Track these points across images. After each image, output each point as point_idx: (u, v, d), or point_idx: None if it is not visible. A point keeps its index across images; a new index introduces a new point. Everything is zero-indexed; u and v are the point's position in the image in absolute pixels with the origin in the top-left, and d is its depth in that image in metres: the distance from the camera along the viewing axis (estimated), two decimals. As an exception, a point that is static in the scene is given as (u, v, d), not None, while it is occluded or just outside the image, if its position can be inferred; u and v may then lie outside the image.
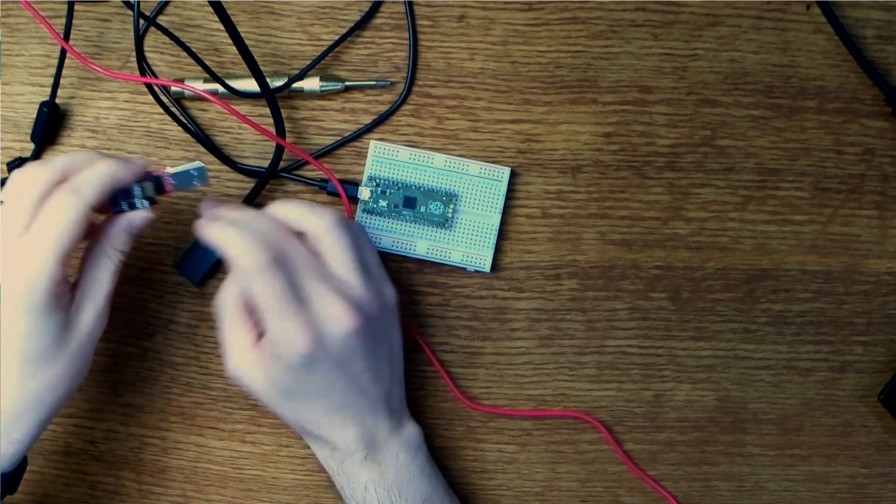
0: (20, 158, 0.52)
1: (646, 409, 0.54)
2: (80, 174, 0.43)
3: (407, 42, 0.52)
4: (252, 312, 0.45)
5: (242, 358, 0.45)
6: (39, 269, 0.41)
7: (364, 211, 0.52)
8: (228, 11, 0.52)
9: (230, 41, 0.52)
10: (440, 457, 0.54)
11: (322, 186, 0.52)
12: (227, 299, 0.46)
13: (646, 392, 0.54)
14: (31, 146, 0.53)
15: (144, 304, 0.53)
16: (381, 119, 0.52)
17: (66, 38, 0.50)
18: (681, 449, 0.54)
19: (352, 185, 0.51)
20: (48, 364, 0.42)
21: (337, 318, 0.44)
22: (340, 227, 0.46)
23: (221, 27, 0.52)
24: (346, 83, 0.52)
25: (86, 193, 0.42)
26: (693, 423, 0.54)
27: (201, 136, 0.52)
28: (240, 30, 0.52)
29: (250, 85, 0.51)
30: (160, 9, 0.52)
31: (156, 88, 0.50)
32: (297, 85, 0.51)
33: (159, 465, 0.54)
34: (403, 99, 0.52)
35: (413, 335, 0.53)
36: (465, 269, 0.53)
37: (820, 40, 0.53)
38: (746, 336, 0.54)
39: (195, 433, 0.54)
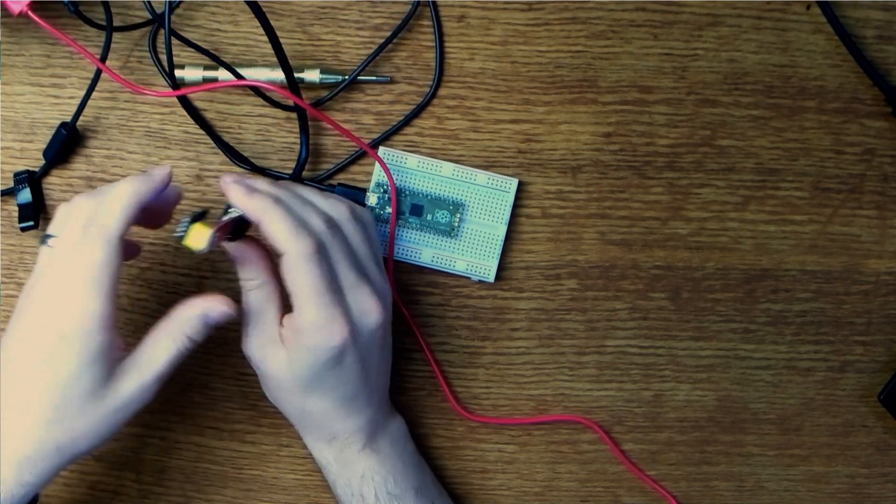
0: (28, 171, 0.52)
1: (646, 409, 0.54)
2: (101, 206, 0.42)
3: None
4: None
5: (269, 328, 0.45)
6: (85, 310, 0.40)
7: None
8: (229, 11, 0.52)
9: (230, 41, 0.52)
10: (440, 456, 0.54)
11: (331, 190, 0.52)
12: (256, 275, 0.45)
13: (646, 392, 0.54)
14: (33, 146, 0.53)
15: (144, 304, 0.53)
16: (407, 120, 0.52)
17: (104, 60, 0.50)
18: (681, 449, 0.54)
19: (359, 191, 0.51)
20: (75, 415, 0.41)
21: (370, 311, 0.44)
22: (359, 219, 0.46)
23: (221, 27, 0.52)
24: (346, 76, 0.52)
25: (111, 229, 0.41)
26: (693, 423, 0.54)
27: (229, 147, 0.52)
28: (240, 30, 0.52)
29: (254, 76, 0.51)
30: (171, 9, 0.52)
31: (188, 100, 0.50)
32: (296, 76, 0.51)
33: (159, 465, 0.54)
34: (429, 99, 0.52)
35: (417, 337, 0.53)
36: (469, 278, 0.52)
37: (820, 40, 0.53)
38: (746, 336, 0.54)
39: (195, 433, 0.54)
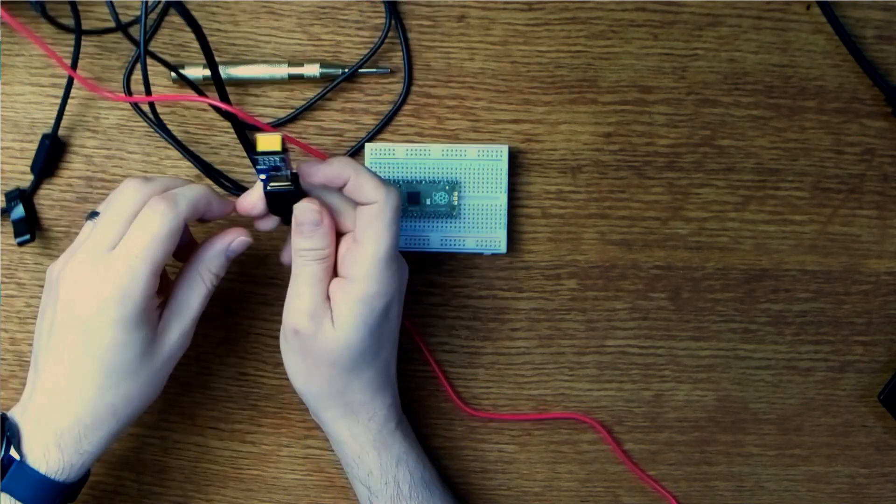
0: (18, 189, 0.52)
1: (646, 409, 0.54)
2: (178, 190, 0.43)
3: (408, 42, 0.52)
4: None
5: (324, 303, 0.44)
6: (133, 280, 0.40)
7: None
8: (229, 11, 0.52)
9: (230, 41, 0.52)
10: (440, 456, 0.54)
11: None
12: (327, 243, 0.44)
13: (646, 392, 0.54)
14: (33, 146, 0.53)
15: (144, 304, 0.53)
16: (386, 121, 0.52)
17: (74, 66, 0.50)
18: (681, 449, 0.54)
19: None
20: (129, 378, 0.42)
21: (405, 264, 0.47)
22: (399, 213, 0.45)
23: (221, 27, 0.52)
24: (346, 69, 0.52)
25: (181, 206, 0.42)
26: (693, 423, 0.54)
27: (199, 160, 0.52)
28: (240, 30, 0.52)
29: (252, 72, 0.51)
30: (153, 33, 0.52)
31: (142, 107, 0.50)
32: (297, 71, 0.51)
33: (159, 465, 0.54)
34: (403, 99, 0.52)
35: (414, 338, 0.53)
36: (481, 254, 0.52)
37: (820, 40, 0.53)
38: (746, 336, 0.54)
39: (195, 433, 0.54)
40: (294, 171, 0.43)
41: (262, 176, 0.42)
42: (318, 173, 0.43)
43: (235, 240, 0.45)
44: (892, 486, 0.55)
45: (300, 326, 0.44)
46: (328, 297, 0.44)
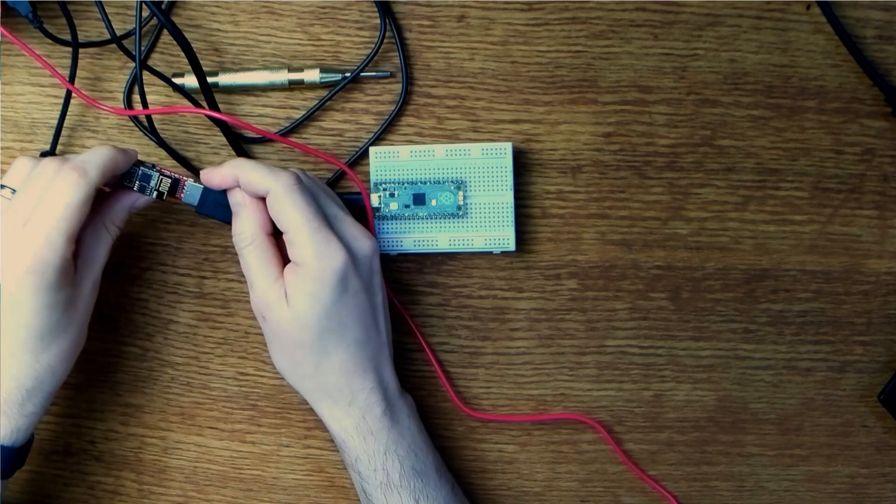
0: None
1: (646, 409, 0.54)
2: (85, 155, 0.44)
3: (408, 42, 0.52)
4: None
5: (273, 287, 0.46)
6: (51, 249, 0.42)
7: (378, 218, 0.51)
8: (229, 11, 0.52)
9: (230, 41, 0.52)
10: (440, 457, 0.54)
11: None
12: (248, 228, 0.46)
13: (646, 392, 0.54)
14: (33, 146, 0.53)
15: (144, 304, 0.53)
16: (386, 125, 0.52)
17: (72, 80, 0.50)
18: (681, 449, 0.54)
19: (357, 195, 0.51)
20: (59, 336, 0.44)
21: (359, 237, 0.46)
22: (300, 188, 0.46)
23: (221, 27, 0.52)
24: (346, 75, 0.52)
25: (91, 174, 0.43)
26: (693, 423, 0.54)
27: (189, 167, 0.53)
28: (240, 30, 0.52)
29: (249, 78, 0.51)
30: (154, 42, 0.53)
31: (142, 119, 0.50)
32: (297, 76, 0.51)
33: (159, 465, 0.54)
34: (402, 102, 0.52)
35: (416, 335, 0.53)
36: (490, 252, 0.52)
37: (820, 40, 0.53)
38: (746, 336, 0.54)
39: (195, 433, 0.54)
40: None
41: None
42: (214, 179, 0.46)
43: (140, 200, 0.47)
44: (892, 486, 0.55)
45: (262, 311, 0.46)
46: (281, 280, 0.46)
